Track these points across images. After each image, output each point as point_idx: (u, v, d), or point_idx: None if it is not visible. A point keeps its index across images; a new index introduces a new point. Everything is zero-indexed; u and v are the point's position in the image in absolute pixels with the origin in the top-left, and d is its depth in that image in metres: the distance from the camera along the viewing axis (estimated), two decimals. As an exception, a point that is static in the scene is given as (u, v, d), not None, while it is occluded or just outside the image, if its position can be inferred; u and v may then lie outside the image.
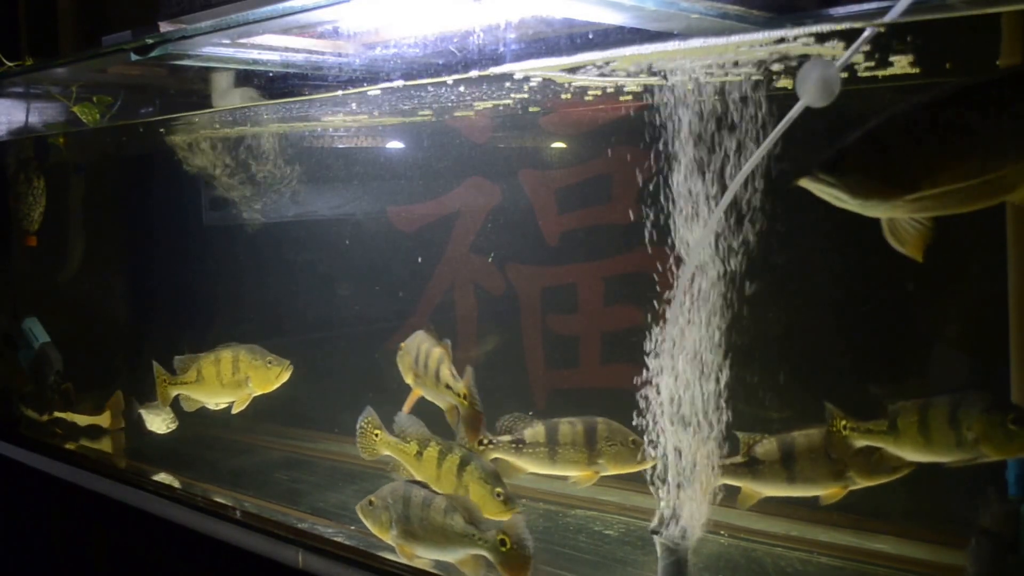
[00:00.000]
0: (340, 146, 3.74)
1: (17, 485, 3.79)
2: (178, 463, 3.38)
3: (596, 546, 2.25)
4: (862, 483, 2.11)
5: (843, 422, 2.05)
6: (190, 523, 2.86)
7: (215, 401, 3.06)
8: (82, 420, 3.81)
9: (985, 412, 1.84)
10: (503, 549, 2.07)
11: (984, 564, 1.88)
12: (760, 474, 2.20)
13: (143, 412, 3.44)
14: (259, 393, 2.96)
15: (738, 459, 2.22)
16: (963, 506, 2.10)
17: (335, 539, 2.50)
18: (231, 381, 2.94)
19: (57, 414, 3.85)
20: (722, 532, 2.45)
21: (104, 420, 3.78)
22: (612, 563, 2.35)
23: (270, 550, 2.59)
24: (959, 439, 1.86)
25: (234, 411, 2.98)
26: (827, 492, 2.16)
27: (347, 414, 3.30)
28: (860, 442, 2.03)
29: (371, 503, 2.34)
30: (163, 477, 3.21)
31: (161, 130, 3.75)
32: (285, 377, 2.93)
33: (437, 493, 2.23)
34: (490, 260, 3.18)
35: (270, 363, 2.91)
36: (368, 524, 2.36)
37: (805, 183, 1.42)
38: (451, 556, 2.19)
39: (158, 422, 3.48)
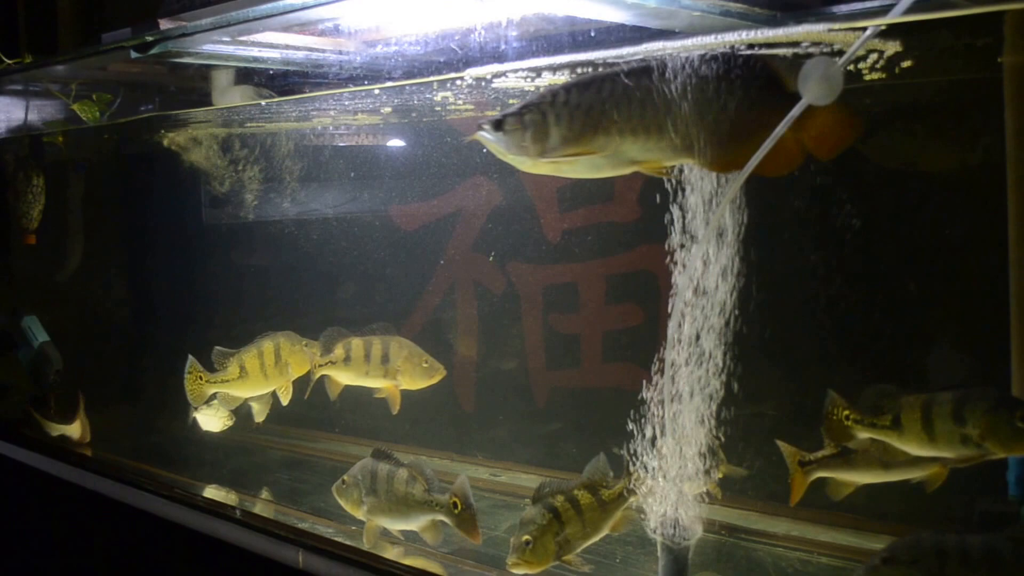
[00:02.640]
0: (341, 144, 3.73)
1: (17, 485, 3.78)
2: (178, 463, 3.38)
3: (596, 545, 2.24)
4: (955, 463, 1.95)
5: (845, 411, 2.02)
6: (190, 523, 2.86)
7: (257, 393, 2.97)
8: (55, 429, 3.71)
9: (991, 409, 1.80)
10: (456, 511, 2.26)
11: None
12: (855, 463, 2.12)
13: (197, 416, 3.24)
14: (297, 377, 2.93)
15: (828, 452, 2.13)
16: (962, 507, 2.10)
17: (335, 539, 2.50)
18: (274, 371, 2.88)
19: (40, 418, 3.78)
20: (723, 532, 2.45)
21: (75, 430, 3.69)
22: (613, 562, 2.35)
23: (270, 550, 2.59)
24: (964, 436, 1.82)
25: (284, 403, 2.93)
26: (926, 475, 2.02)
27: (347, 414, 3.31)
28: (862, 434, 2.00)
29: (344, 482, 2.47)
30: (164, 477, 3.20)
31: (162, 131, 3.75)
32: (317, 359, 2.91)
33: (401, 464, 2.38)
34: (491, 259, 3.18)
35: (306, 346, 2.91)
36: (342, 503, 2.49)
37: (476, 137, 1.67)
38: (414, 524, 2.36)
39: (215, 422, 3.29)
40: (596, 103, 1.53)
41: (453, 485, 2.29)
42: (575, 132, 1.55)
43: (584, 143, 1.55)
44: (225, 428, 3.29)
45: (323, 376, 2.82)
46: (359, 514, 2.46)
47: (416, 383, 2.74)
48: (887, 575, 1.74)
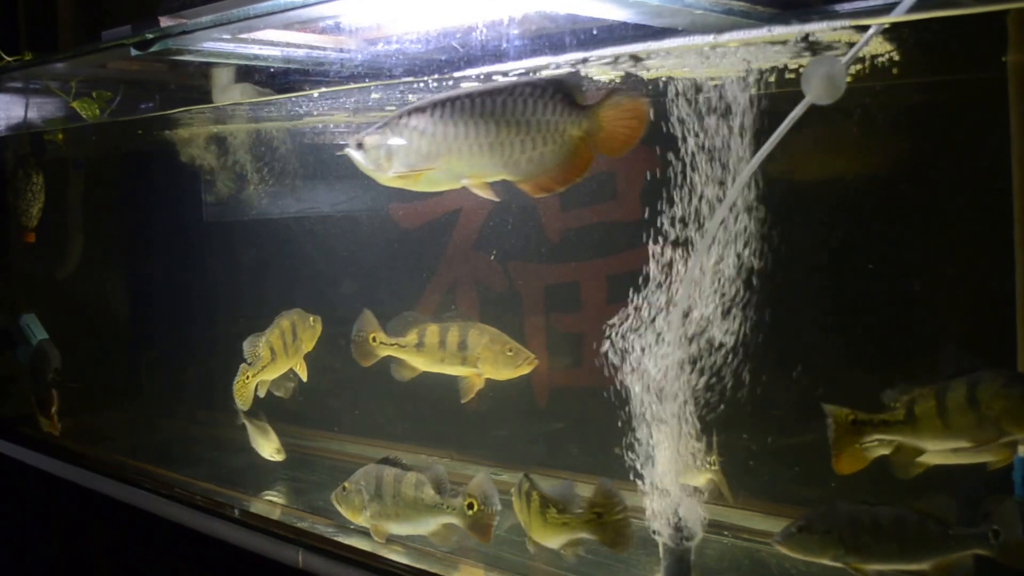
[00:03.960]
0: (342, 142, 3.72)
1: (17, 485, 3.78)
2: (178, 462, 3.37)
3: (598, 546, 2.23)
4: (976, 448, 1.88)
5: (850, 417, 1.96)
6: (190, 523, 2.85)
7: (280, 373, 2.94)
8: (45, 425, 3.74)
9: (1004, 387, 1.76)
10: (471, 512, 2.21)
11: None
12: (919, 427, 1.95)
13: (254, 436, 3.17)
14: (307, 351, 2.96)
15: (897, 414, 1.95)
16: (967, 508, 2.09)
17: (335, 539, 2.49)
18: (292, 349, 2.87)
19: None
20: (725, 532, 2.44)
21: (55, 428, 3.70)
22: (615, 563, 2.34)
23: (270, 549, 2.58)
24: (980, 418, 1.78)
25: (305, 378, 2.93)
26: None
27: (347, 413, 3.30)
28: (874, 436, 1.93)
29: (344, 489, 2.43)
30: (163, 477, 3.19)
31: (166, 131, 3.74)
32: (319, 331, 2.97)
33: (409, 469, 2.35)
34: (492, 258, 3.17)
35: (313, 322, 2.96)
36: (342, 510, 2.45)
37: (346, 152, 1.89)
38: (423, 529, 2.32)
39: (270, 448, 3.18)
40: (432, 126, 1.78)
41: (469, 485, 2.25)
42: (419, 152, 1.80)
43: (426, 161, 1.80)
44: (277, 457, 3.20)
45: (391, 358, 2.70)
46: (360, 520, 2.44)
47: (501, 372, 2.56)
48: (802, 542, 1.84)
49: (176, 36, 2.28)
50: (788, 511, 2.43)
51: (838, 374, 2.37)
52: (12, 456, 3.69)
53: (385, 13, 2.21)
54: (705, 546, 2.17)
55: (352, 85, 2.56)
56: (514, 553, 2.40)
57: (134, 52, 2.39)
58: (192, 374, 4.09)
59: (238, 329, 3.31)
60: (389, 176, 1.85)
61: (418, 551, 2.42)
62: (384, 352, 2.66)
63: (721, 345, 2.10)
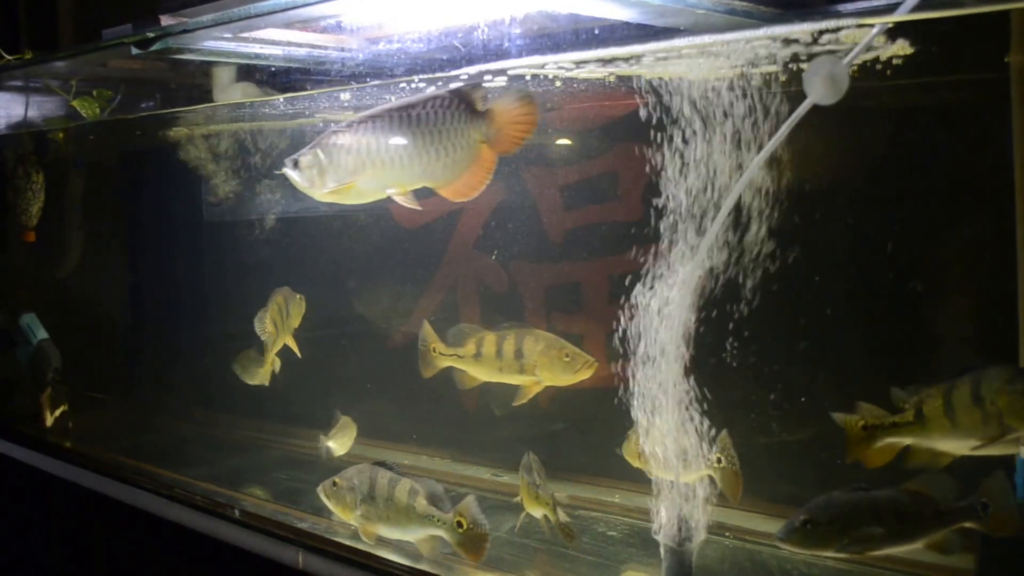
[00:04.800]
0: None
1: (17, 485, 3.77)
2: (178, 463, 3.36)
3: (599, 547, 2.23)
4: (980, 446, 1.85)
5: (860, 423, 1.95)
6: (190, 523, 2.85)
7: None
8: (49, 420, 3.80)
9: (1008, 383, 1.76)
10: (460, 531, 2.21)
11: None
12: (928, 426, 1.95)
13: (329, 444, 3.12)
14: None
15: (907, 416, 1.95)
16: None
17: (335, 539, 2.49)
18: (284, 327, 2.95)
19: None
20: (727, 534, 2.44)
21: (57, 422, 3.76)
22: (616, 564, 2.33)
23: (270, 550, 2.58)
24: (984, 416, 1.78)
25: (299, 354, 2.99)
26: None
27: (348, 413, 3.29)
28: (886, 439, 1.93)
29: (335, 484, 2.43)
30: (161, 476, 3.18)
31: (170, 131, 3.74)
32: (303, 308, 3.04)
33: (403, 475, 2.35)
34: (493, 258, 3.16)
35: (300, 300, 3.06)
36: (331, 505, 2.45)
37: (282, 171, 2.03)
38: (411, 536, 2.33)
39: (343, 445, 3.16)
40: (356, 143, 1.95)
41: (460, 504, 2.25)
42: (347, 168, 1.96)
43: (353, 175, 1.96)
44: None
45: (452, 368, 2.69)
46: (350, 519, 2.44)
47: (559, 378, 2.51)
48: (808, 536, 1.85)
49: (177, 35, 2.27)
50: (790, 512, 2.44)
51: (838, 372, 2.37)
52: (12, 456, 3.68)
53: (386, 12, 2.20)
54: (706, 547, 2.17)
55: (354, 85, 2.56)
56: (514, 554, 2.40)
57: (135, 51, 2.38)
58: (193, 373, 4.08)
59: (237, 328, 3.31)
60: (323, 192, 2.00)
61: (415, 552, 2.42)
62: (444, 362, 2.66)
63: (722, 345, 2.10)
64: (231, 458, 3.54)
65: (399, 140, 1.92)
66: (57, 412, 3.81)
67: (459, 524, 2.21)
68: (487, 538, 2.20)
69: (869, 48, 1.80)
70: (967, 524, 1.83)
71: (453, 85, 1.97)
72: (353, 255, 3.55)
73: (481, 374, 2.63)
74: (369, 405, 3.34)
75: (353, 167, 1.95)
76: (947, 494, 1.84)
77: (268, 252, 3.90)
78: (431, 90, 1.96)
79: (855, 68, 1.83)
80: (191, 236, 4.21)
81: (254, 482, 3.17)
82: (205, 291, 4.22)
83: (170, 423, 4.03)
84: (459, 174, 1.95)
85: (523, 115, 1.92)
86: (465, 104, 1.92)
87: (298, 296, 3.08)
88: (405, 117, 1.91)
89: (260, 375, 3.27)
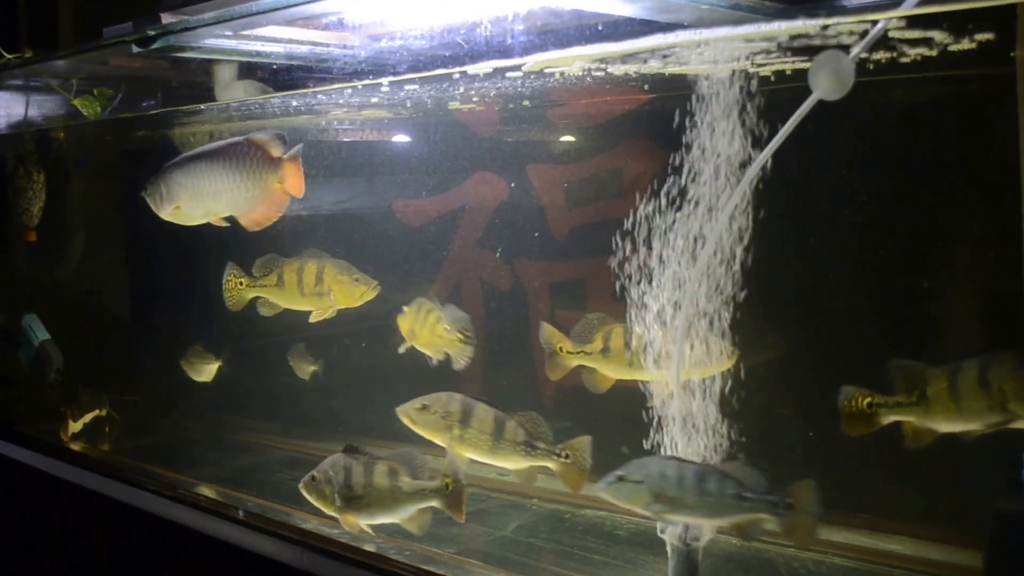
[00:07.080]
0: (344, 140, 3.71)
1: (17, 485, 3.77)
2: (179, 463, 3.36)
3: (606, 546, 2.22)
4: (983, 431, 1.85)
5: (867, 399, 1.94)
6: (192, 523, 2.84)
7: (294, 307, 2.86)
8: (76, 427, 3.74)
9: (1016, 369, 1.74)
10: (448, 492, 2.21)
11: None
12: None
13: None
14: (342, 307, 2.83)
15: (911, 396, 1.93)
16: (977, 504, 2.07)
17: (339, 539, 2.48)
18: (312, 291, 2.78)
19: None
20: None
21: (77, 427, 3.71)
22: (622, 563, 2.32)
23: (273, 550, 2.57)
24: (991, 401, 1.76)
25: (312, 319, 2.83)
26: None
27: (350, 413, 3.28)
28: (888, 418, 1.92)
29: (314, 478, 2.40)
30: (164, 477, 3.18)
31: (168, 129, 3.73)
32: (370, 296, 2.80)
33: (377, 458, 2.31)
34: (498, 255, 3.15)
35: (356, 280, 2.79)
36: (312, 500, 2.41)
37: (143, 195, 2.41)
38: (398, 516, 2.28)
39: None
40: (184, 179, 2.36)
41: (443, 465, 2.24)
42: (177, 198, 2.38)
43: (181, 204, 2.39)
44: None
45: (582, 367, 2.47)
46: (331, 511, 2.38)
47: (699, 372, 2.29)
48: (620, 490, 1.95)
49: (178, 33, 2.27)
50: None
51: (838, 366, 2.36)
52: (13, 456, 3.67)
53: (387, 9, 2.19)
54: (712, 546, 2.16)
55: (357, 82, 2.55)
56: (520, 553, 2.39)
57: (135, 49, 2.38)
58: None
59: (238, 328, 3.30)
60: (163, 213, 2.41)
61: (421, 552, 2.41)
62: (574, 362, 2.46)
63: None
64: (234, 458, 3.54)
65: (213, 178, 2.36)
66: (88, 417, 3.74)
67: (447, 486, 2.21)
68: (466, 491, 2.21)
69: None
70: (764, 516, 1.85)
71: (254, 134, 2.37)
72: (357, 253, 3.54)
73: (612, 372, 2.42)
74: (370, 405, 3.33)
75: (182, 198, 2.38)
76: (759, 484, 1.86)
77: (268, 251, 3.89)
78: (239, 137, 2.37)
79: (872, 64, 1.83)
80: (191, 236, 4.19)
81: (257, 482, 3.17)
82: (206, 290, 4.20)
83: (170, 422, 4.03)
84: (256, 207, 2.40)
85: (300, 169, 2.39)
86: (263, 152, 2.36)
87: (355, 276, 2.79)
88: (219, 160, 2.35)
89: (207, 372, 3.41)
